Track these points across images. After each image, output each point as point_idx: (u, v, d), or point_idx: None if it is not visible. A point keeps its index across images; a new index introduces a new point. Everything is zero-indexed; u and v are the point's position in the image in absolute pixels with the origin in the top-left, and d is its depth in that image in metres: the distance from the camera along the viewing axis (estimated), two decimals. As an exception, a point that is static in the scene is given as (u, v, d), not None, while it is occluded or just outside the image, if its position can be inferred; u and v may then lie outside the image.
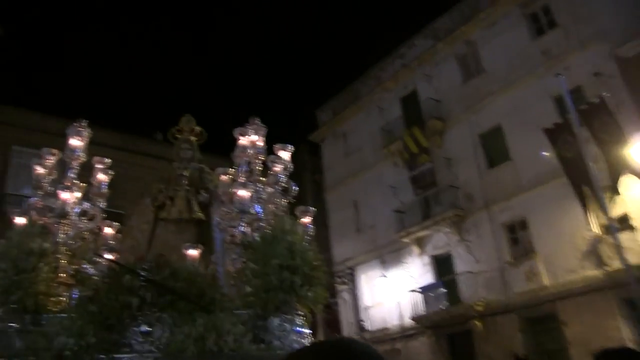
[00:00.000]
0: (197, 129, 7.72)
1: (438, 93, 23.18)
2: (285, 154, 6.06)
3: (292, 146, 6.13)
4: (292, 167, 6.08)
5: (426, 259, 22.10)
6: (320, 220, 28.44)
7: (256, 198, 5.72)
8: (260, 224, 5.57)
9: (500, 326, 18.87)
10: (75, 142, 6.25)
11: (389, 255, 23.69)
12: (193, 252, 5.28)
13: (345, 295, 25.37)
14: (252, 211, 5.56)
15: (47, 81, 55.26)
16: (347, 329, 24.85)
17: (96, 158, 6.48)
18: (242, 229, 5.51)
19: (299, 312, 5.01)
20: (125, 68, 58.89)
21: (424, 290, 21.03)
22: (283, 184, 5.91)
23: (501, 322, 18.89)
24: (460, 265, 20.62)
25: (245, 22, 62.49)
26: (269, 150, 6.16)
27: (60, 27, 55.72)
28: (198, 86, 61.38)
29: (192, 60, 62.33)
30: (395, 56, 25.84)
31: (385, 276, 23.10)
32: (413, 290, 21.39)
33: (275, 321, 4.86)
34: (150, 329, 4.77)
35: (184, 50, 62.08)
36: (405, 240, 22.52)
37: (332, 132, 28.80)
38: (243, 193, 5.47)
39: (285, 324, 4.88)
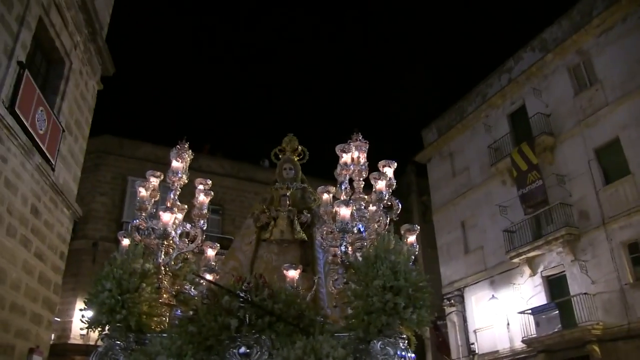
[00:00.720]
0: (300, 148, 7.71)
1: (548, 107, 22.27)
2: (389, 170, 5.86)
3: (396, 162, 5.93)
4: (395, 183, 5.87)
5: (538, 280, 21.11)
6: (428, 242, 28.21)
7: (358, 216, 5.56)
8: (363, 243, 5.40)
9: (623, 353, 17.61)
10: (176, 164, 6.34)
11: (498, 276, 22.90)
12: (292, 273, 5.18)
13: (454, 317, 24.80)
14: (354, 230, 5.40)
15: (157, 114, 57.66)
16: (456, 352, 24.28)
17: (198, 179, 6.49)
18: (343, 248, 5.34)
19: (403, 336, 4.74)
20: (229, 95, 60.63)
21: (536, 312, 20.07)
22: (387, 202, 5.72)
23: (624, 348, 17.64)
24: (575, 286, 19.49)
25: (347, 43, 63.03)
26: (373, 167, 6.00)
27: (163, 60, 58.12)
28: (301, 109, 62.27)
29: (297, 82, 63.40)
30: (502, 71, 25.20)
31: (495, 298, 22.31)
32: (523, 312, 20.53)
33: (378, 345, 4.60)
34: (249, 351, 4.69)
35: (288, 72, 63.25)
36: (516, 260, 21.65)
37: (438, 152, 28.39)
38: (344, 211, 5.30)
39: (388, 348, 4.58)
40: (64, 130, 13.33)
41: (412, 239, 5.52)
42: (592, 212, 19.68)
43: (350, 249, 5.40)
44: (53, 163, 12.87)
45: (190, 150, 6.53)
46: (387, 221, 5.62)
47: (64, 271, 13.85)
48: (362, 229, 5.55)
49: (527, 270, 21.46)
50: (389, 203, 5.72)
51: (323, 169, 7.52)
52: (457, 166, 26.99)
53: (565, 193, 20.63)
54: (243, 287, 4.90)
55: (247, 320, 4.70)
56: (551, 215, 20.91)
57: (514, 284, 21.99)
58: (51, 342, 13.02)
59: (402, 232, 5.43)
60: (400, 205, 5.83)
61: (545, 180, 21.15)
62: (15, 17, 11.12)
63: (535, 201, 21.44)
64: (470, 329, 23.80)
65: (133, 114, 56.11)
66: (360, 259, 5.09)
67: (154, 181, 6.31)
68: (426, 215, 29.39)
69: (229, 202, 25.90)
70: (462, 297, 24.68)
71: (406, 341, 4.78)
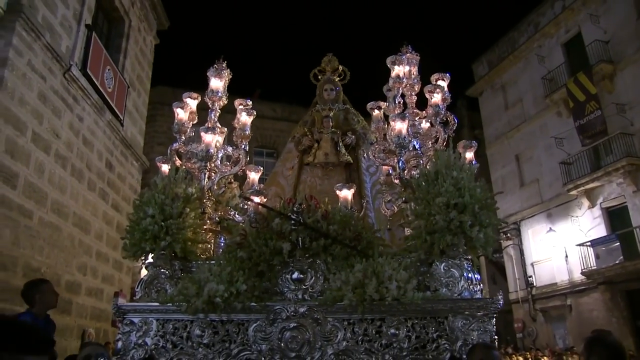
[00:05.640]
0: (340, 68, 7.38)
1: (607, 34, 21.19)
2: (442, 83, 5.53)
3: (449, 74, 5.63)
4: (450, 97, 5.56)
5: (597, 212, 20.60)
6: (482, 176, 27.80)
7: (412, 133, 5.26)
8: (419, 160, 5.13)
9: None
10: (215, 82, 6.00)
11: (555, 209, 22.48)
12: (346, 193, 4.90)
13: (511, 251, 24.70)
14: (410, 147, 5.10)
15: (207, 62, 57.23)
16: (514, 284, 24.25)
17: (238, 100, 6.19)
18: (401, 164, 5.04)
19: (468, 257, 4.44)
20: (277, 40, 60.04)
21: (595, 244, 19.74)
22: (442, 117, 5.40)
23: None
24: (638, 217, 18.94)
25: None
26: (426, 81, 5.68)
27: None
28: (347, 44, 61.21)
29: (341, 15, 62.27)
30: (555, -2, 24.15)
31: (553, 230, 22.01)
32: (582, 244, 20.18)
33: (441, 267, 4.35)
34: (303, 276, 4.51)
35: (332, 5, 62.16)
36: (573, 192, 21.15)
37: (490, 85, 27.69)
38: (400, 125, 4.98)
39: (453, 270, 4.32)
40: (128, 87, 14.03)
41: (470, 155, 5.23)
42: (655, 141, 18.94)
43: (406, 167, 5.10)
44: (122, 118, 13.67)
45: (228, 69, 6.17)
46: (446, 137, 5.32)
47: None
48: (417, 146, 5.29)
49: (585, 203, 20.98)
50: (445, 118, 5.46)
51: (368, 90, 7.18)
52: (510, 99, 26.32)
53: (626, 122, 19.81)
54: (294, 209, 4.63)
55: (301, 243, 4.44)
56: (610, 145, 20.18)
57: (572, 216, 21.55)
58: (132, 286, 13.91)
59: (459, 148, 5.13)
60: (456, 120, 5.57)
61: (604, 109, 20.37)
62: (81, -18, 11.63)
63: (594, 131, 20.73)
64: (528, 262, 23.66)
65: (184, 63, 56.14)
66: (417, 177, 4.79)
67: (192, 104, 6.03)
68: (479, 150, 28.89)
69: (282, 145, 25.89)
70: (518, 230, 24.44)
71: (471, 263, 4.50)
